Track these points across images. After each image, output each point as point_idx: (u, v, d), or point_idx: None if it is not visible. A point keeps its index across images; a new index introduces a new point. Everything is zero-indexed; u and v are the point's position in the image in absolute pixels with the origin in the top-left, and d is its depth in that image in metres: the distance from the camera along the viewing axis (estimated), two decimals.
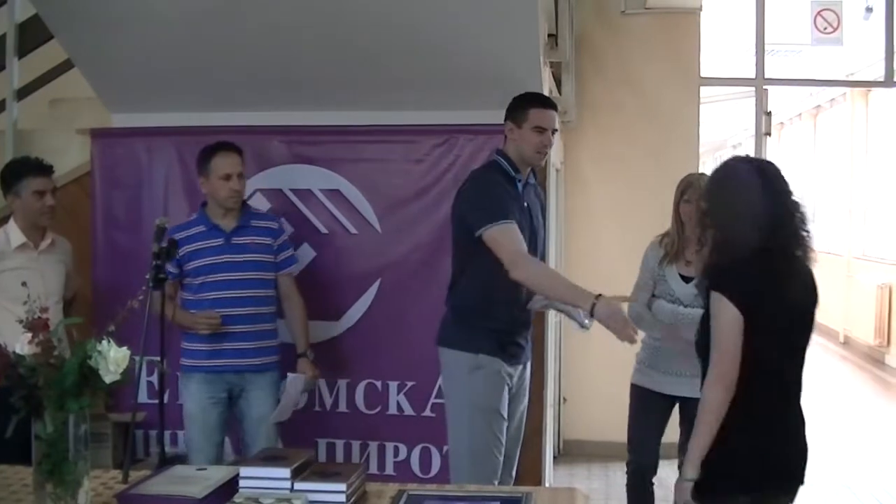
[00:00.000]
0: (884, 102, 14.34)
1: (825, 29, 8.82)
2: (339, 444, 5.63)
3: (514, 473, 4.65)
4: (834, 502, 6.90)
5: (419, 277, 5.44)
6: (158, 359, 4.29)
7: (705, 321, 3.39)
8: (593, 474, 7.37)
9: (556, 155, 6.53)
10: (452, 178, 5.34)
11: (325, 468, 3.29)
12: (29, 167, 4.98)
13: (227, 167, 4.86)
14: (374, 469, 5.52)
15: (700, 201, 3.68)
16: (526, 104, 4.45)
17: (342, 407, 5.61)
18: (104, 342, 2.78)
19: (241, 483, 3.05)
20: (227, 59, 5.32)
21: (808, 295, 3.42)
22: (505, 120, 4.50)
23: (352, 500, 3.04)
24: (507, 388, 4.46)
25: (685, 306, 4.80)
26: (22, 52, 6.64)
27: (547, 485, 5.90)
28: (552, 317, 6.00)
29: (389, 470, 5.54)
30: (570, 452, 7.88)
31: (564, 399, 7.83)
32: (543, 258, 4.65)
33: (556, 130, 4.53)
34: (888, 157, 14.34)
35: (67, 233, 5.33)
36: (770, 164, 3.56)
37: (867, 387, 12.03)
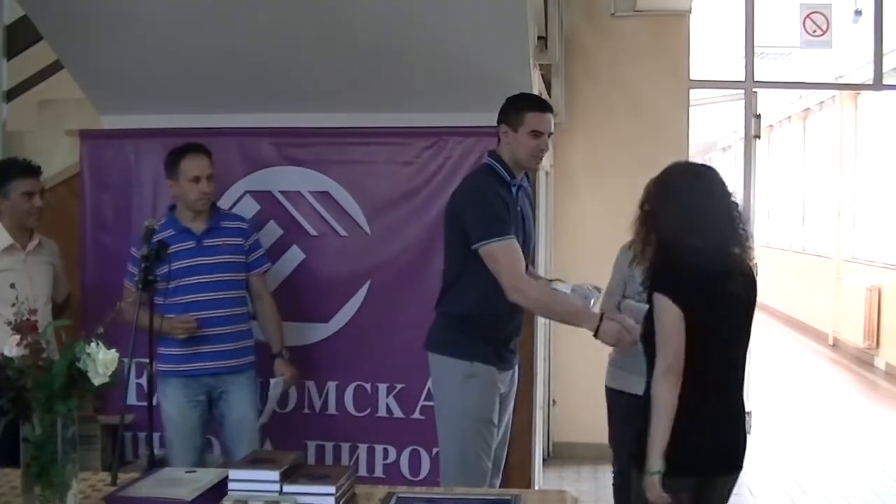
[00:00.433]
0: (873, 105, 14.38)
1: (814, 32, 8.84)
2: (329, 446, 5.62)
3: (500, 475, 4.65)
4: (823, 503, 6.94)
5: (409, 279, 5.44)
6: (147, 361, 4.29)
7: (649, 319, 3.55)
8: (583, 476, 7.38)
9: (545, 158, 6.53)
10: (442, 180, 5.35)
11: (315, 470, 3.30)
12: (17, 168, 4.97)
13: (196, 169, 4.83)
14: (363, 471, 5.51)
15: (642, 204, 3.73)
16: (522, 107, 4.37)
17: (331, 409, 5.60)
18: (93, 344, 2.78)
19: (230, 485, 3.05)
20: (216, 62, 5.31)
21: (747, 290, 3.58)
22: (499, 122, 4.43)
23: (341, 503, 3.04)
24: (498, 395, 4.46)
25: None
26: (11, 54, 6.63)
27: (536, 487, 5.91)
28: (542, 319, 6.01)
29: (379, 472, 5.53)
30: (559, 455, 7.89)
31: (554, 401, 7.83)
32: (533, 260, 4.64)
33: (552, 133, 4.47)
34: (877, 160, 14.37)
35: (56, 234, 5.32)
36: (709, 167, 3.76)
37: (856, 389, 12.05)
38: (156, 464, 4.19)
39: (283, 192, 5.59)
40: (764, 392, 10.06)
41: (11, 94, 6.66)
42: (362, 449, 5.58)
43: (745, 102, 8.38)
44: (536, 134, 4.34)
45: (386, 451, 5.56)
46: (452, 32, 5.04)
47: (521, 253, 4.25)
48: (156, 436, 4.64)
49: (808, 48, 9.45)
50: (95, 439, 5.49)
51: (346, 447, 5.60)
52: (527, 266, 4.42)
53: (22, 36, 6.45)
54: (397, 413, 5.53)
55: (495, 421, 4.44)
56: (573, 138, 7.93)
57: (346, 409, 5.58)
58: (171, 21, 5.11)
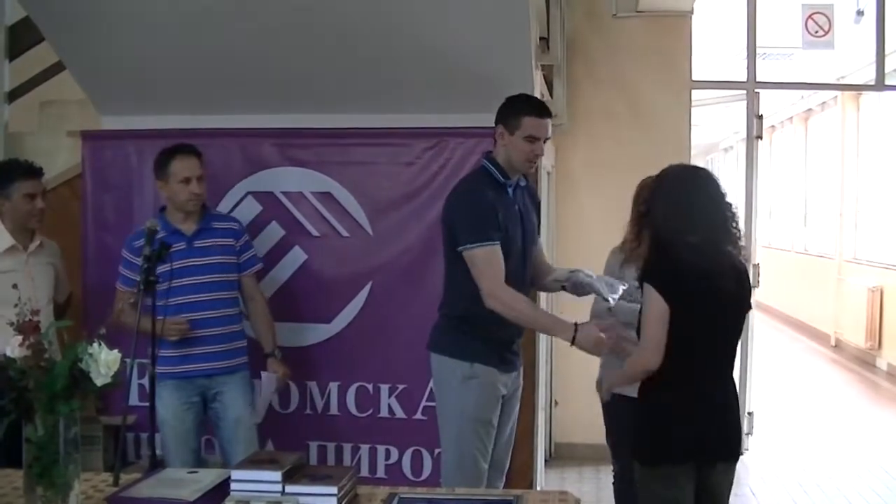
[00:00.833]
0: (875, 106, 14.37)
1: (816, 32, 8.82)
2: (331, 446, 5.62)
3: (504, 477, 4.65)
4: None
5: (410, 280, 5.44)
6: (148, 361, 4.29)
7: (641, 309, 3.77)
8: (584, 477, 7.38)
9: (547, 158, 6.51)
10: (443, 180, 5.34)
11: (317, 471, 3.30)
12: (19, 170, 4.97)
13: (186, 170, 4.82)
14: (365, 472, 5.51)
15: (640, 205, 3.99)
16: (520, 111, 4.33)
17: (333, 410, 5.60)
18: (95, 345, 2.78)
19: (233, 486, 3.05)
20: (217, 62, 5.32)
21: (738, 285, 3.75)
22: (496, 122, 4.41)
23: (343, 503, 3.04)
24: (500, 397, 4.45)
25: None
26: (12, 55, 6.63)
27: (538, 488, 5.90)
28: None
29: (381, 473, 5.54)
30: (561, 455, 7.89)
31: (556, 402, 7.83)
32: (531, 256, 4.61)
33: (549, 138, 4.45)
34: (879, 161, 14.36)
35: (58, 235, 5.32)
36: (703, 169, 4.02)
37: (858, 390, 12.04)
38: (158, 464, 4.19)
39: (285, 193, 5.59)
40: (766, 392, 10.05)
41: (13, 95, 6.65)
42: (364, 449, 5.59)
43: (747, 103, 8.36)
44: (532, 139, 4.31)
45: (388, 452, 5.56)
46: (454, 33, 5.04)
47: (502, 260, 4.24)
48: (158, 436, 4.64)
49: (809, 49, 9.43)
50: (97, 440, 5.49)
51: (348, 448, 5.61)
52: (523, 265, 4.45)
53: (24, 37, 6.45)
54: (399, 413, 5.53)
55: (494, 422, 4.44)
56: (575, 139, 7.93)
57: (348, 410, 5.59)
58: (173, 22, 5.11)
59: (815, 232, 17.67)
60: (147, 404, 4.41)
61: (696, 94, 8.41)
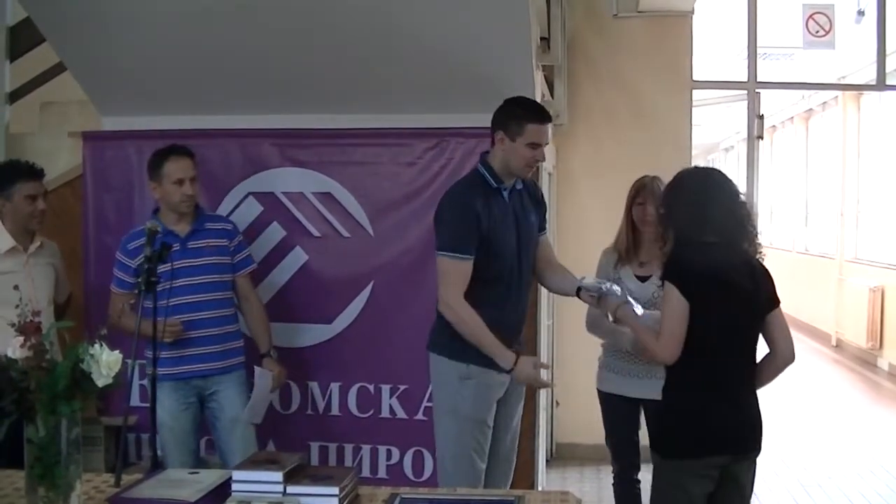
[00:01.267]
0: (875, 106, 14.37)
1: (817, 32, 8.83)
2: (332, 447, 5.62)
3: (511, 477, 4.66)
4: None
5: (411, 280, 5.44)
6: (150, 358, 4.29)
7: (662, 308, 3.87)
8: (586, 477, 7.38)
9: (548, 159, 6.51)
10: (444, 181, 5.33)
11: (318, 471, 3.30)
12: (20, 171, 4.97)
13: (179, 172, 4.80)
14: (366, 472, 5.51)
15: (659, 207, 4.05)
16: (523, 118, 4.30)
17: (335, 410, 5.60)
18: (97, 346, 2.78)
19: (234, 486, 3.05)
20: (218, 63, 5.31)
21: (754, 282, 3.84)
22: (495, 127, 4.38)
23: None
24: (496, 398, 4.46)
25: (643, 305, 4.83)
26: (13, 56, 6.62)
27: (539, 488, 5.90)
28: (544, 320, 6.01)
29: (382, 473, 5.54)
30: (562, 456, 7.89)
31: (557, 402, 7.83)
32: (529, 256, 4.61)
33: (547, 143, 4.44)
34: (880, 160, 14.36)
35: (59, 236, 5.32)
36: (717, 170, 4.10)
37: (859, 390, 12.04)
38: (159, 465, 4.19)
39: (285, 194, 5.59)
40: (766, 393, 10.01)
41: (14, 96, 6.65)
42: (365, 450, 5.59)
43: (748, 103, 8.36)
44: (535, 146, 4.31)
45: (389, 452, 5.56)
46: (455, 33, 5.04)
47: (468, 275, 4.28)
48: (159, 437, 4.64)
49: (810, 49, 9.45)
50: (99, 441, 5.50)
51: (349, 448, 5.61)
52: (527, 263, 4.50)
53: (24, 38, 6.45)
54: (400, 414, 5.53)
55: (490, 423, 4.45)
56: (575, 139, 7.92)
57: (350, 410, 5.59)
58: (174, 23, 5.11)
59: (816, 232, 17.66)
60: (148, 405, 4.41)
61: (697, 94, 8.41)
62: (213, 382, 4.87)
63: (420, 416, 5.48)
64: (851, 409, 10.72)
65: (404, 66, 5.25)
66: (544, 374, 4.64)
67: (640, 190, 4.99)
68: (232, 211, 5.52)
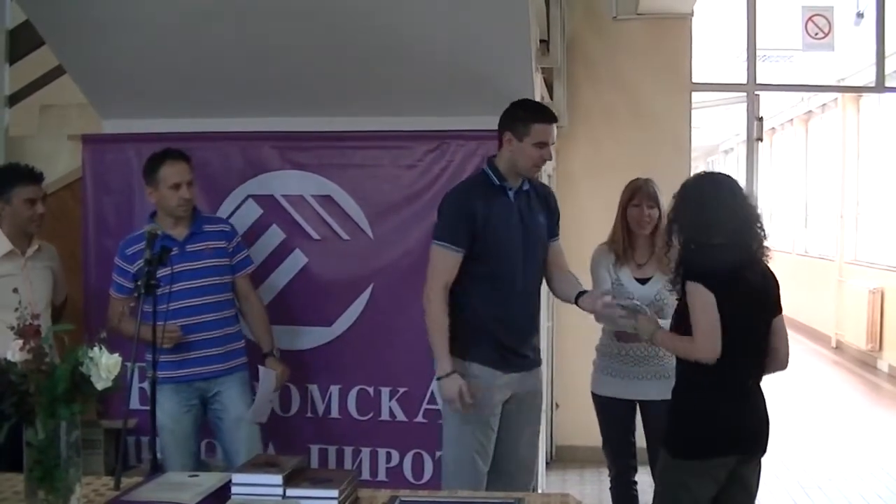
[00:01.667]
0: (875, 107, 14.37)
1: (816, 34, 8.84)
2: (332, 450, 5.62)
3: (533, 477, 4.80)
4: None
5: (411, 283, 5.41)
6: (149, 361, 4.29)
7: (680, 311, 3.98)
8: (586, 480, 7.37)
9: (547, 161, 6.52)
10: (444, 183, 5.33)
11: (318, 474, 3.30)
12: (20, 175, 4.96)
13: (175, 176, 4.79)
14: (366, 475, 5.50)
15: (669, 213, 4.09)
16: (529, 118, 4.40)
17: (334, 413, 5.60)
18: (96, 349, 2.78)
19: (234, 489, 3.06)
20: (218, 66, 5.31)
21: (766, 283, 3.97)
22: (503, 128, 4.46)
23: None
24: (499, 399, 4.48)
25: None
26: (13, 59, 6.63)
27: (540, 490, 5.90)
28: (544, 321, 6.00)
29: (382, 476, 5.53)
30: (562, 458, 7.88)
31: (557, 405, 7.82)
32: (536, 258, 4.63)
33: (554, 143, 4.52)
34: (879, 162, 14.36)
35: (58, 238, 5.32)
36: (725, 175, 4.17)
37: (859, 391, 12.04)
38: (159, 468, 4.19)
39: (285, 196, 5.59)
40: (766, 394, 10.02)
41: (14, 99, 6.66)
42: (365, 453, 5.58)
43: (748, 105, 8.36)
44: (542, 145, 4.40)
45: (389, 455, 5.56)
46: (455, 36, 5.04)
47: (452, 267, 4.41)
48: (158, 440, 4.64)
49: (809, 51, 9.46)
50: (98, 444, 5.49)
51: (349, 451, 5.60)
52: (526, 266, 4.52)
53: (24, 40, 6.45)
54: (400, 417, 5.53)
55: (493, 424, 4.48)
56: (575, 141, 7.92)
57: (349, 413, 5.58)
58: (173, 26, 5.11)
59: (815, 234, 17.67)
60: (148, 408, 4.41)
61: (697, 97, 8.41)
62: (216, 384, 4.86)
63: (420, 418, 5.48)
64: (851, 411, 10.72)
65: (404, 68, 5.24)
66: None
67: (636, 192, 5.01)
68: (231, 214, 5.51)
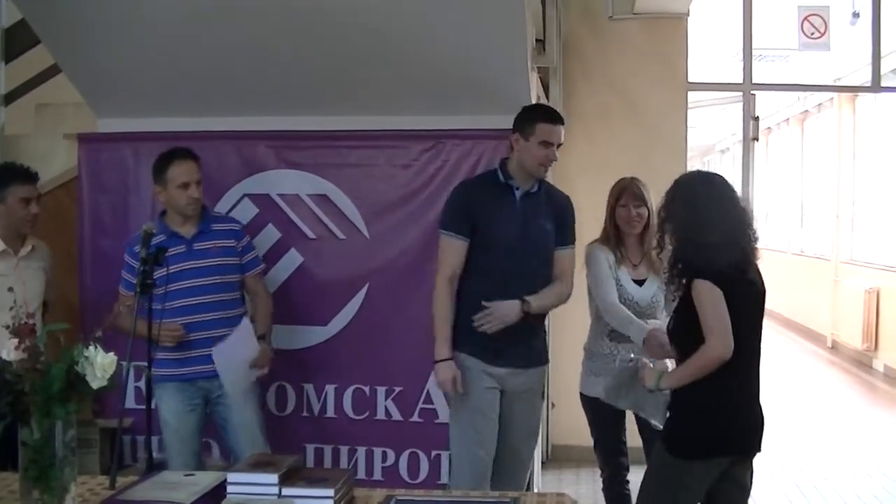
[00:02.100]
0: (871, 107, 14.39)
1: (812, 34, 8.84)
2: (327, 449, 5.62)
3: (526, 473, 4.82)
4: None
5: (407, 282, 5.44)
6: (145, 364, 4.28)
7: (680, 311, 3.91)
8: (582, 479, 7.37)
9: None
10: (440, 182, 5.35)
11: (313, 474, 3.31)
12: (15, 174, 4.95)
13: (184, 175, 4.80)
14: (361, 474, 5.51)
15: (660, 210, 4.06)
16: (534, 118, 4.56)
17: (330, 412, 5.60)
18: (91, 348, 2.78)
19: (229, 489, 3.05)
20: (214, 65, 5.31)
21: (759, 279, 3.93)
22: (514, 131, 4.58)
23: None
24: (488, 385, 4.57)
25: (642, 309, 4.82)
26: (9, 57, 6.63)
27: (535, 490, 5.90)
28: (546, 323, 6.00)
29: (377, 475, 5.53)
30: (558, 458, 7.88)
31: (553, 404, 7.81)
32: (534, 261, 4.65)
33: (562, 144, 4.61)
34: (875, 162, 14.37)
35: (54, 238, 5.31)
36: (716, 174, 4.14)
37: (854, 391, 12.05)
38: (154, 467, 4.18)
39: (281, 196, 5.59)
40: (763, 394, 10.02)
41: (9, 98, 6.66)
42: (361, 452, 5.58)
43: (744, 105, 8.36)
44: (546, 144, 4.51)
45: (385, 454, 5.56)
46: (450, 35, 5.04)
47: (458, 253, 4.56)
48: (154, 439, 4.64)
49: (805, 50, 9.47)
50: (94, 443, 5.49)
51: (344, 450, 5.60)
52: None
53: (20, 39, 6.45)
54: (396, 416, 5.53)
55: (489, 414, 4.58)
56: (571, 141, 7.85)
57: (345, 412, 5.58)
58: (169, 25, 5.11)
59: (811, 233, 17.68)
60: (143, 407, 4.41)
61: (693, 96, 8.41)
62: (219, 385, 4.84)
63: (415, 417, 5.48)
64: (847, 411, 10.73)
65: (400, 67, 5.25)
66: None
67: (623, 192, 5.01)
68: (227, 213, 5.50)
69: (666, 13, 7.89)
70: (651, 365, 4.17)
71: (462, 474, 4.54)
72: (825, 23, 8.80)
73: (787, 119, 18.86)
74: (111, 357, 2.82)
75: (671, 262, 3.95)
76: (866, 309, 13.09)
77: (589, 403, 5.09)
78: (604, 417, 5.03)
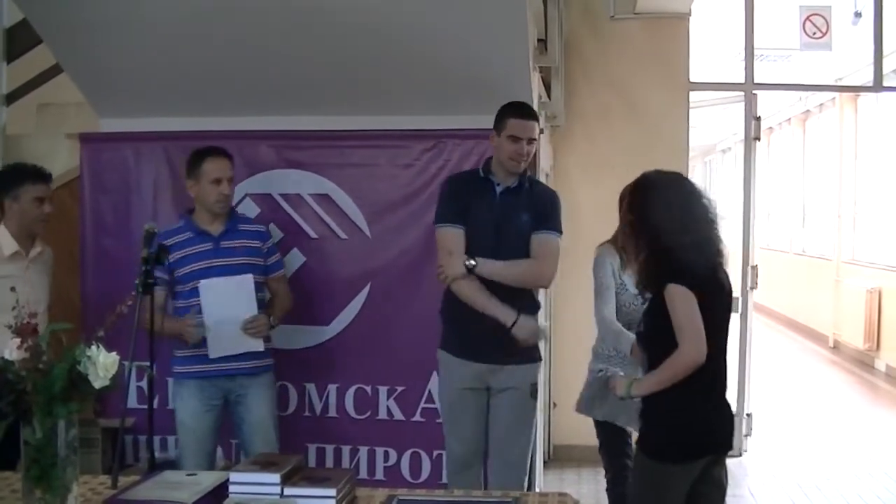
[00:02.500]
0: (872, 107, 14.38)
1: (814, 34, 8.83)
2: (329, 449, 5.62)
3: (527, 482, 4.85)
4: None
5: (409, 282, 5.44)
6: (147, 364, 4.28)
7: (650, 315, 3.89)
8: (583, 479, 7.37)
9: (545, 160, 6.53)
10: (441, 182, 5.34)
11: (315, 473, 3.30)
12: (28, 173, 4.98)
13: (217, 171, 4.83)
14: (363, 474, 5.51)
15: (627, 213, 4.04)
16: (506, 114, 4.62)
17: (332, 412, 5.60)
18: (94, 347, 2.78)
19: (231, 488, 3.06)
20: (215, 65, 5.31)
21: (727, 278, 3.91)
22: (493, 129, 4.65)
23: None
24: (459, 384, 4.66)
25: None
26: (10, 57, 6.62)
27: (537, 490, 5.90)
28: (541, 321, 6.00)
29: (379, 475, 5.54)
30: (560, 458, 7.88)
31: (554, 404, 7.82)
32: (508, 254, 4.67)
33: (534, 140, 4.64)
34: (877, 162, 14.37)
35: (56, 238, 5.31)
36: (679, 174, 4.13)
37: (856, 391, 12.04)
38: (156, 467, 4.19)
39: (283, 195, 5.59)
40: (764, 394, 10.04)
41: (11, 98, 6.65)
42: (363, 451, 5.58)
43: (745, 104, 8.36)
44: (514, 139, 4.56)
45: (387, 454, 5.56)
46: (452, 35, 5.04)
47: (458, 240, 4.59)
48: (156, 439, 4.64)
49: (807, 50, 9.44)
50: (96, 442, 5.50)
51: (346, 450, 5.61)
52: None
53: (21, 39, 6.45)
54: (398, 415, 5.53)
55: (464, 408, 4.67)
56: (572, 140, 7.92)
57: (347, 412, 5.59)
58: (171, 25, 5.11)
59: (813, 233, 17.67)
60: (146, 406, 4.41)
61: (694, 96, 8.41)
62: (241, 385, 4.87)
63: (418, 417, 5.48)
64: (849, 411, 10.72)
65: (402, 67, 5.25)
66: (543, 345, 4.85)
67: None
68: None
69: (667, 13, 7.89)
70: (621, 373, 4.17)
71: (449, 470, 4.80)
72: (827, 22, 8.78)
73: (789, 119, 18.85)
74: (113, 357, 2.82)
75: (642, 265, 3.91)
76: (868, 309, 13.09)
77: (598, 426, 5.12)
78: (610, 437, 5.06)
